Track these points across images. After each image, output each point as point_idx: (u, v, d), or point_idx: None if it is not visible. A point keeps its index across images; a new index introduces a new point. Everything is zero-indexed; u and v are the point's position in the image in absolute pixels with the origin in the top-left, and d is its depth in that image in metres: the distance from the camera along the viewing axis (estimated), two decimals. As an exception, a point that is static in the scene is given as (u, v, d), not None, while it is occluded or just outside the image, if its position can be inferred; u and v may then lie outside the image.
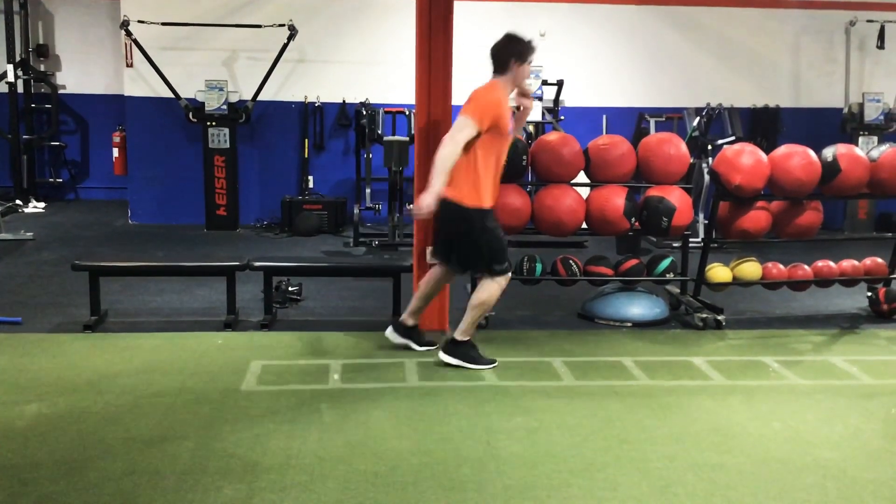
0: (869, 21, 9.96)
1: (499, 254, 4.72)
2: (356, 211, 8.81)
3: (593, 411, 4.18)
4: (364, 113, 9.13)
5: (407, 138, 8.64)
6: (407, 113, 9.27)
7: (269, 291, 5.68)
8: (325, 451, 3.63)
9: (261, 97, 9.64)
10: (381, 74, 9.85)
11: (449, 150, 4.49)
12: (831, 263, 6.15)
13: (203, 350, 5.07)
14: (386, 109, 9.37)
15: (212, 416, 4.03)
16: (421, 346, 5.09)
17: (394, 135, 9.19)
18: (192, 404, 4.18)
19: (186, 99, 9.54)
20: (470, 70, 9.43)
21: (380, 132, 9.07)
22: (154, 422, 3.95)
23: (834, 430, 3.98)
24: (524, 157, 5.69)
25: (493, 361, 4.84)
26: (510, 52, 4.66)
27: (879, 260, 6.19)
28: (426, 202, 4.49)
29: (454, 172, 4.54)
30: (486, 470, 3.50)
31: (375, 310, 6.02)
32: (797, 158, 5.73)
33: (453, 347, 4.82)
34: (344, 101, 10.01)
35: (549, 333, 5.59)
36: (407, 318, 5.10)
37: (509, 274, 4.81)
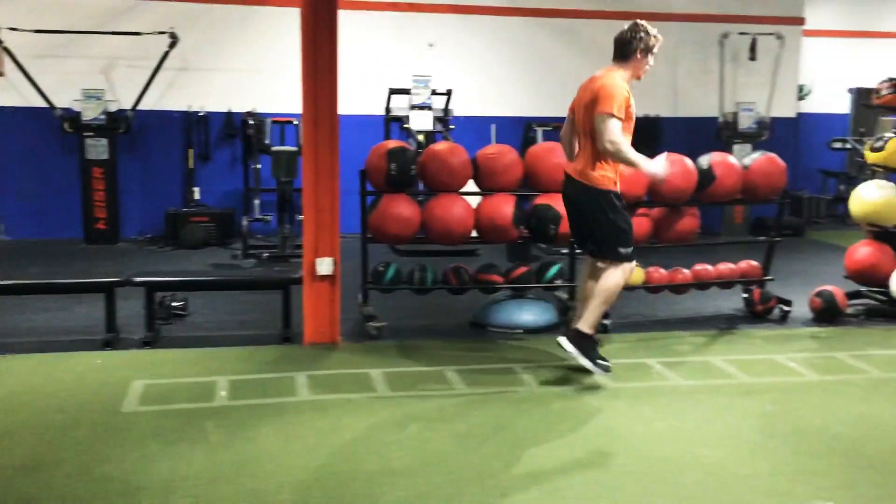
0: (741, 34, 10.45)
1: (627, 236, 4.75)
2: (245, 222, 8.63)
3: (485, 419, 4.20)
4: (251, 122, 8.96)
5: (296, 148, 8.51)
6: (295, 122, 9.15)
7: (150, 307, 5.49)
8: (211, 472, 3.52)
9: (141, 106, 9.34)
10: (268, 83, 9.70)
11: (623, 147, 4.56)
12: (709, 267, 6.39)
13: (81, 371, 4.85)
14: (274, 119, 9.24)
15: (90, 439, 3.85)
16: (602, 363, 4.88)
17: (282, 145, 9.05)
18: (69, 428, 3.98)
19: (62, 109, 9.14)
20: (358, 78, 9.47)
21: (267, 142, 8.93)
22: (27, 448, 3.74)
23: (714, 428, 4.13)
24: (413, 167, 5.69)
25: (608, 368, 4.74)
26: (639, 43, 4.70)
27: (754, 262, 6.48)
28: (657, 168, 4.82)
29: (590, 158, 4.67)
30: (378, 482, 3.46)
31: (264, 323, 5.89)
32: (675, 166, 5.93)
33: (578, 339, 4.72)
34: (230, 110, 9.80)
35: (441, 342, 5.60)
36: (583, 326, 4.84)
37: (633, 263, 4.84)
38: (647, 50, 4.75)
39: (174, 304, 6.03)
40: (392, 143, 5.87)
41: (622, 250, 4.75)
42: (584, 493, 3.39)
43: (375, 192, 5.78)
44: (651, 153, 8.91)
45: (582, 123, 4.77)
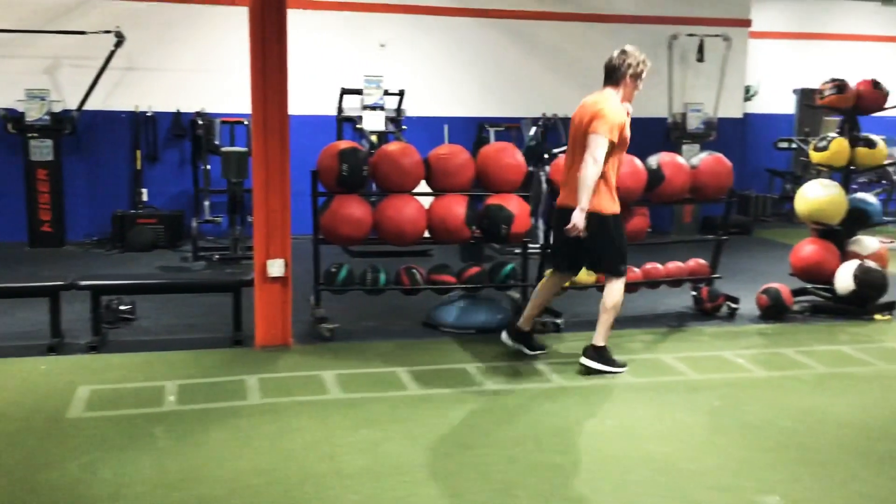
0: (689, 35, 10.61)
1: (625, 255, 5.07)
2: (194, 224, 8.51)
3: (438, 419, 4.20)
4: (200, 123, 8.84)
5: (246, 149, 8.42)
6: (245, 123, 9.06)
7: (97, 311, 5.38)
8: (159, 478, 3.46)
9: (87, 106, 9.15)
10: (217, 83, 9.58)
11: (594, 169, 4.70)
12: (659, 265, 6.47)
13: (24, 377, 4.73)
14: (223, 119, 9.13)
15: (34, 447, 3.76)
16: (532, 350, 5.30)
17: (232, 145, 8.95)
18: (11, 436, 3.88)
19: (5, 109, 8.92)
20: (310, 78, 9.41)
21: (217, 142, 8.81)
22: (-33, 458, 3.64)
23: (663, 424, 4.18)
24: (365, 168, 5.67)
25: (624, 364, 5.03)
26: (628, 68, 4.85)
27: (702, 261, 6.58)
28: (579, 221, 4.74)
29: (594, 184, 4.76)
30: (330, 486, 3.44)
31: (215, 326, 5.82)
32: (624, 167, 5.97)
33: (595, 353, 4.98)
34: (178, 110, 9.65)
35: (394, 343, 5.58)
36: (522, 323, 5.29)
37: (626, 276, 5.13)
38: (636, 76, 4.90)
39: (121, 307, 5.92)
40: (343, 144, 5.83)
41: (621, 267, 5.04)
42: (536, 491, 3.40)
43: (327, 193, 5.74)
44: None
45: (578, 146, 4.87)
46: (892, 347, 5.59)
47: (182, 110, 9.62)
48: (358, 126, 8.98)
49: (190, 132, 9.34)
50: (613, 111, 4.76)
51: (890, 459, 3.79)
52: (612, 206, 4.90)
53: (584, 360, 4.98)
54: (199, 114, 9.14)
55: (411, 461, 3.69)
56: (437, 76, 10.32)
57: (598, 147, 4.69)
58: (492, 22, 10.37)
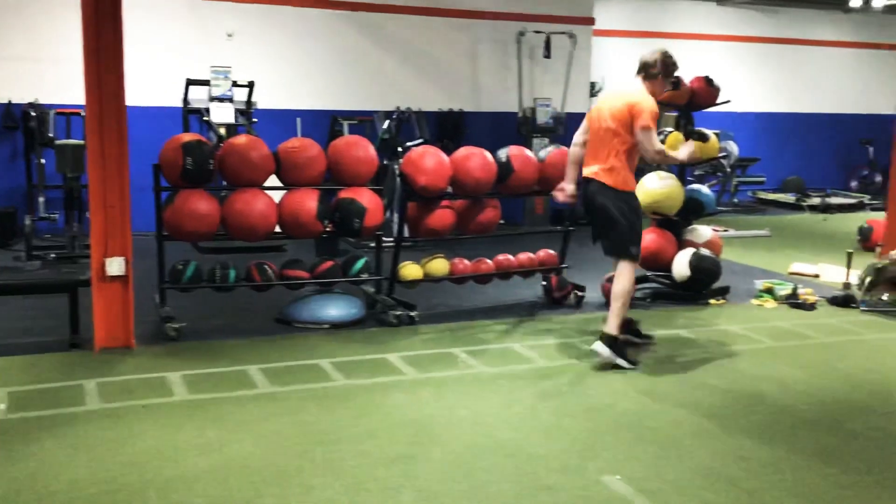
0: (536, 32, 10.87)
1: (639, 236, 5.21)
2: (28, 221, 7.99)
3: (289, 417, 4.13)
4: (33, 114, 8.32)
5: (83, 142, 7.97)
6: (83, 114, 8.56)
7: (-85, 317, 4.96)
8: (-16, 493, 3.23)
9: None
10: (52, 72, 9.01)
11: (660, 153, 5.06)
12: (510, 256, 6.62)
13: None
14: (58, 110, 8.62)
15: None
16: (640, 338, 5.50)
17: (68, 138, 8.47)
18: None
19: None
20: (152, 68, 9.03)
21: (52, 135, 8.32)
22: None
23: (513, 411, 4.28)
24: (211, 161, 5.49)
25: (636, 363, 5.05)
26: (664, 68, 5.16)
27: (552, 251, 6.77)
28: (686, 152, 5.39)
29: (617, 163, 5.06)
30: (174, 490, 3.32)
31: (50, 329, 5.48)
32: (475, 160, 6.10)
33: (611, 342, 5.02)
34: (10, 101, 9.03)
35: (245, 341, 5.45)
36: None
37: (637, 264, 5.29)
38: (668, 75, 5.23)
39: (-56, 312, 5.49)
40: (187, 137, 5.63)
41: (633, 249, 5.13)
42: (387, 484, 3.41)
43: (171, 188, 5.53)
44: (457, 147, 9.12)
45: (607, 127, 5.07)
46: (725, 330, 5.94)
47: (14, 101, 9.01)
48: (205, 118, 8.68)
49: (22, 124, 8.77)
50: (651, 103, 5.05)
51: (718, 435, 4.03)
52: (633, 183, 5.25)
53: (597, 346, 5.04)
54: (31, 104, 8.59)
55: (260, 460, 3.61)
56: (289, 68, 10.14)
57: (654, 142, 5.02)
58: (344, 14, 10.28)
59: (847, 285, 6.92)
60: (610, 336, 5.04)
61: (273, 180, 5.82)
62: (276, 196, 5.83)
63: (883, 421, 4.30)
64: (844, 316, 6.37)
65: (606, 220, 5.13)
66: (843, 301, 6.66)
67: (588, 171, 5.22)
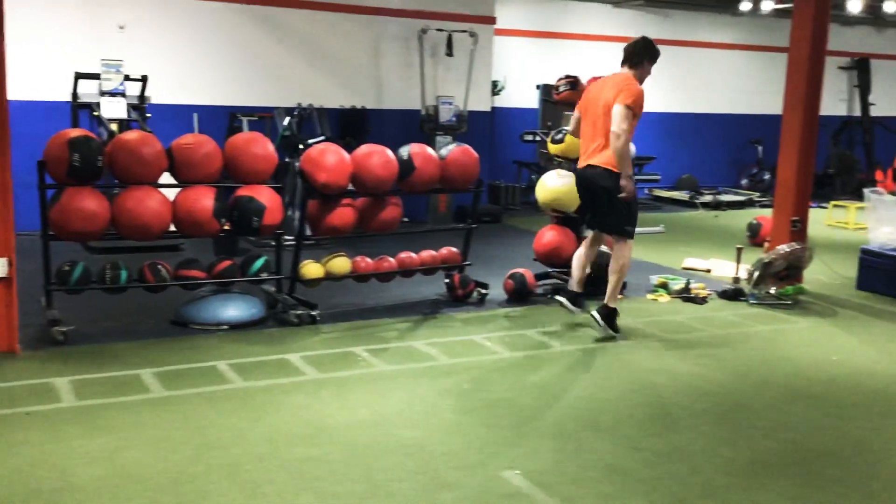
0: (438, 30, 10.90)
1: (635, 216, 5.63)
2: None
3: (184, 421, 4.02)
4: None
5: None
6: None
7: None
8: None
9: None
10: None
11: (625, 139, 5.34)
12: (413, 254, 6.61)
13: None
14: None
15: None
16: (575, 307, 5.88)
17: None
18: None
19: None
20: (39, 60, 8.64)
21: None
22: None
23: (414, 410, 4.27)
24: (100, 158, 5.28)
25: (618, 331, 5.67)
26: (646, 54, 5.61)
27: (454, 249, 6.80)
28: (629, 187, 5.42)
29: (609, 147, 5.43)
30: (61, 501, 3.18)
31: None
32: (377, 157, 6.07)
33: (606, 313, 5.63)
34: None
35: (138, 344, 5.27)
36: (576, 286, 5.92)
37: (633, 241, 5.71)
38: (653, 60, 5.66)
39: None
40: (74, 132, 5.39)
41: (628, 228, 5.60)
42: (285, 488, 3.35)
43: (57, 186, 5.29)
44: (358, 143, 9.07)
45: (602, 115, 5.50)
46: (622, 324, 6.06)
47: None
48: (95, 113, 8.36)
49: None
50: (636, 88, 5.45)
51: (614, 427, 4.12)
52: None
53: (594, 313, 5.65)
54: None
55: (153, 468, 3.49)
56: (185, 62, 9.85)
57: (624, 119, 5.33)
58: (243, 8, 10.05)
59: (737, 279, 7.20)
60: (608, 307, 5.64)
61: (168, 178, 5.65)
62: (172, 194, 5.66)
63: (770, 410, 4.48)
64: (734, 309, 6.61)
65: (608, 202, 5.57)
66: (733, 294, 6.92)
67: (587, 158, 5.64)
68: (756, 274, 6.85)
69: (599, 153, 5.55)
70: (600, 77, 5.93)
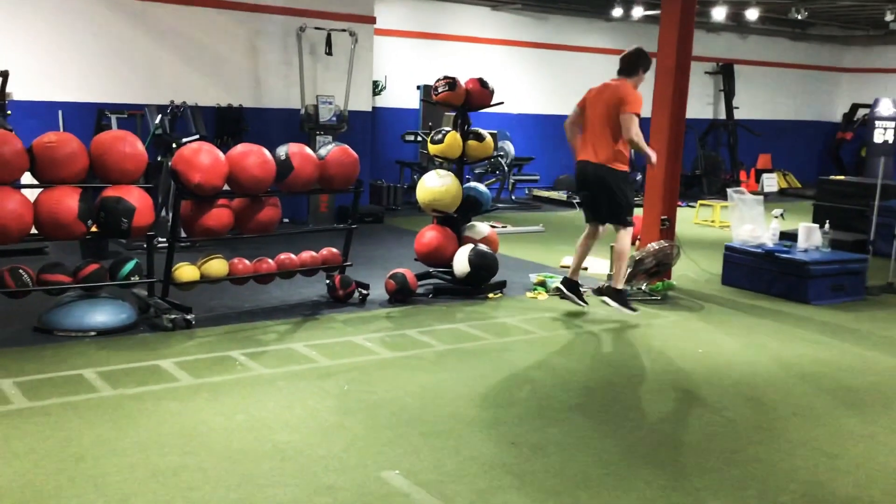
0: (317, 28, 10.77)
1: (632, 207, 6.36)
2: None
3: (47, 433, 3.82)
4: None
5: None
6: None
7: None
8: None
9: None
10: None
11: (638, 139, 5.97)
12: (293, 255, 6.51)
13: None
14: None
15: None
16: (579, 299, 6.48)
17: None
18: None
19: None
20: None
21: None
22: None
23: (293, 413, 4.21)
24: (-48, 156, 4.96)
25: (636, 310, 6.38)
26: (640, 63, 6.26)
27: (335, 250, 6.73)
28: (654, 157, 6.19)
29: (611, 148, 6.12)
30: None
31: None
32: (253, 157, 5.94)
33: (615, 294, 6.33)
34: None
35: (-3, 353, 4.99)
36: (572, 274, 6.51)
37: (633, 226, 6.43)
38: (646, 68, 6.31)
39: None
40: (-77, 129, 5.05)
41: (628, 218, 6.29)
42: (156, 498, 3.23)
43: None
44: (235, 143, 8.88)
45: (602, 118, 6.13)
46: (503, 322, 6.18)
47: None
48: (-50, 109, 7.87)
49: None
50: (636, 95, 6.06)
51: (493, 424, 4.18)
52: (628, 165, 6.26)
53: (605, 299, 6.33)
54: None
55: (13, 483, 3.31)
56: (49, 57, 9.37)
57: (633, 123, 5.96)
58: (110, 2, 9.64)
59: (610, 277, 7.42)
60: (616, 290, 6.31)
61: (30, 178, 5.36)
62: (34, 195, 5.37)
63: (641, 402, 4.65)
64: (608, 305, 6.81)
65: (609, 196, 6.21)
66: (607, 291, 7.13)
67: (587, 156, 6.22)
68: (628, 271, 7.09)
69: (600, 152, 6.15)
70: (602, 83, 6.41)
